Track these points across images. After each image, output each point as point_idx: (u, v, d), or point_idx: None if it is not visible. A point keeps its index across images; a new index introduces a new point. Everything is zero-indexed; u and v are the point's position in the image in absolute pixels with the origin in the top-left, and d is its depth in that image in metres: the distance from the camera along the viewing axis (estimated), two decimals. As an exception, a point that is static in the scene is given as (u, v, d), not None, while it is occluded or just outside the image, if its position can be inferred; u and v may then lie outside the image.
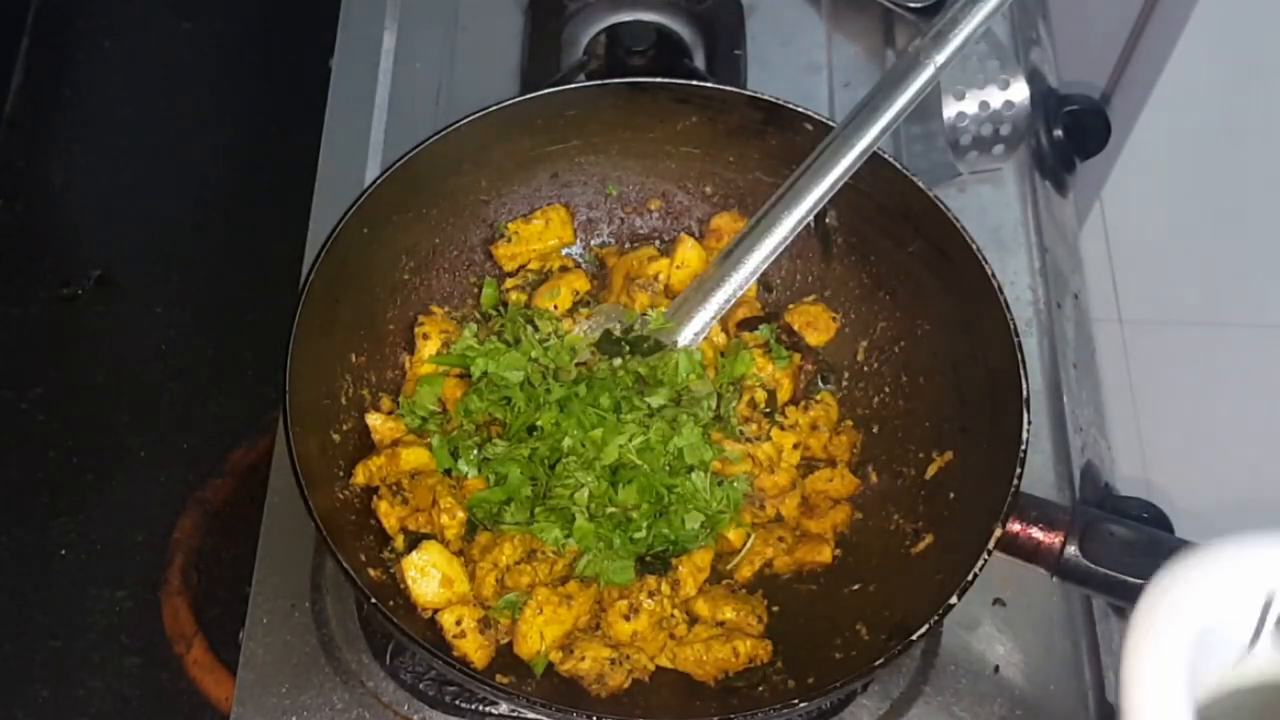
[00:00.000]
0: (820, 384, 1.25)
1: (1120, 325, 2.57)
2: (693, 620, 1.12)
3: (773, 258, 1.20)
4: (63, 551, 1.35)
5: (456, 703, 1.12)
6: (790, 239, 1.19)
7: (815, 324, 1.25)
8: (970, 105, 1.36)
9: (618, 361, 1.19)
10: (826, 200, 1.18)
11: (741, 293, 1.21)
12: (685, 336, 1.21)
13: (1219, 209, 2.35)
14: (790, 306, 1.27)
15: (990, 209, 1.41)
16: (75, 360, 1.48)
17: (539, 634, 1.07)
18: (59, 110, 1.64)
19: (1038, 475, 1.25)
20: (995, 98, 1.36)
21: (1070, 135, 1.46)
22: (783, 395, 1.22)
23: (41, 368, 1.46)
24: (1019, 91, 1.36)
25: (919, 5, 1.43)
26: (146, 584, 1.33)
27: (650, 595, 1.10)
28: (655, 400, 1.16)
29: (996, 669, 1.17)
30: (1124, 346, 2.54)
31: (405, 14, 1.51)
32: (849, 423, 1.23)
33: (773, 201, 1.19)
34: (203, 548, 1.35)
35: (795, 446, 1.19)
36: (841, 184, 1.17)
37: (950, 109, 1.36)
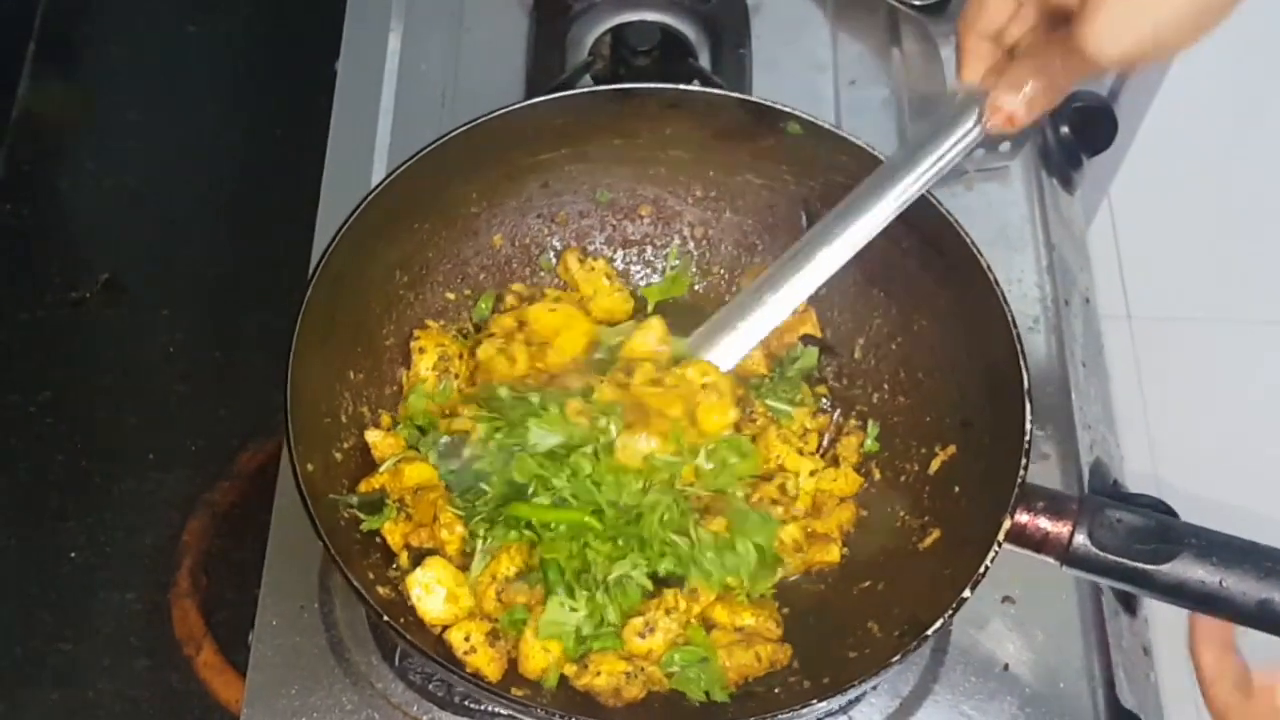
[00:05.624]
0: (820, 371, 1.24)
1: (1129, 322, 2.56)
2: (710, 627, 1.11)
3: (813, 288, 1.14)
4: (71, 554, 1.35)
5: (465, 703, 1.13)
6: (835, 269, 1.13)
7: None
8: (976, 103, 1.36)
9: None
10: (874, 233, 1.11)
11: (779, 322, 1.16)
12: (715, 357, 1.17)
13: (1227, 205, 2.35)
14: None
15: (997, 206, 1.40)
16: (83, 363, 1.48)
17: (542, 651, 1.06)
18: (66, 114, 1.64)
19: (1046, 473, 1.25)
20: (1001, 95, 1.36)
21: (1077, 132, 1.45)
22: (809, 447, 1.21)
23: (49, 371, 1.46)
24: (1025, 89, 1.36)
25: (923, 3, 1.42)
26: (155, 586, 1.33)
27: (668, 613, 1.09)
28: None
29: (1006, 667, 1.17)
30: (1132, 343, 2.54)
31: (410, 16, 1.51)
32: (854, 422, 1.22)
33: (815, 231, 1.14)
34: (211, 550, 1.35)
35: (812, 474, 1.18)
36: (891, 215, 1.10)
37: (956, 107, 1.35)
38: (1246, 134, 2.18)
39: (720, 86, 1.31)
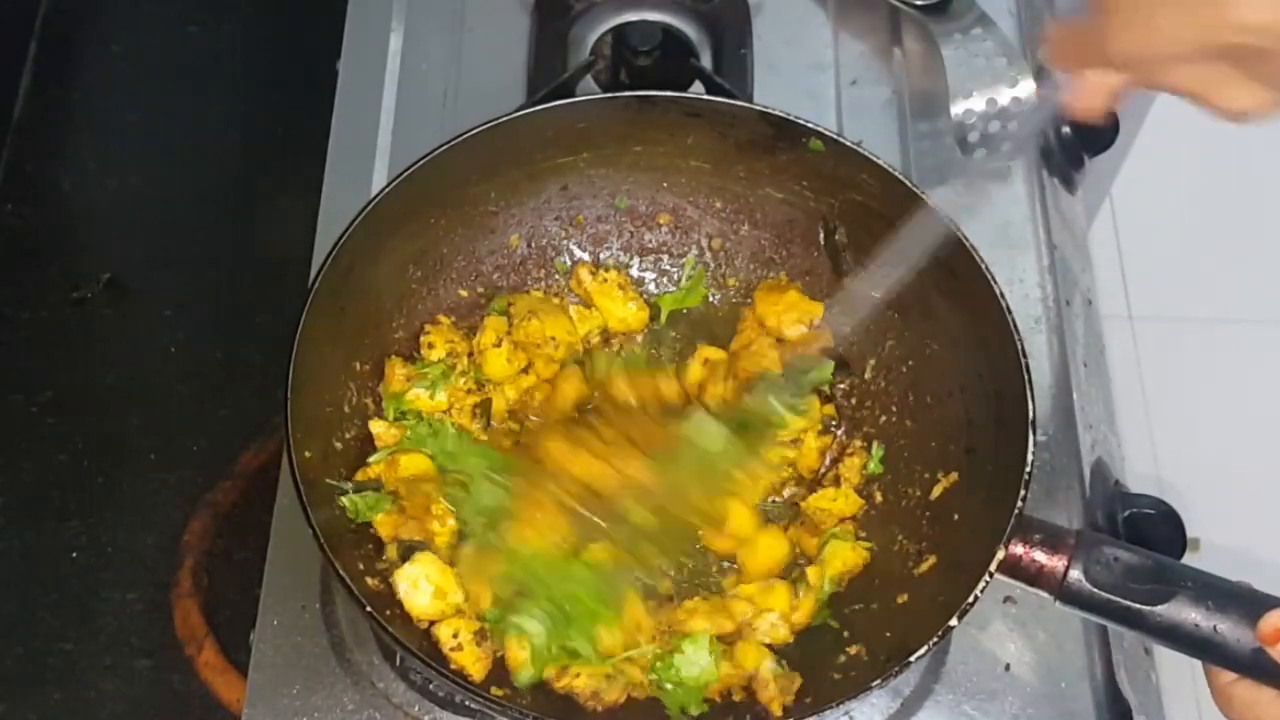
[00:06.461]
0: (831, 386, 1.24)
1: (1130, 322, 2.56)
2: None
3: None
4: (73, 554, 1.36)
5: (467, 703, 1.12)
6: None
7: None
8: (978, 103, 1.36)
9: None
10: None
11: None
12: None
13: (1229, 205, 2.36)
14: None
15: (998, 206, 1.40)
16: (85, 363, 1.48)
17: (519, 649, 1.07)
18: (67, 114, 1.64)
19: (1048, 473, 1.25)
20: (1003, 95, 1.36)
21: (1079, 132, 1.45)
22: (806, 460, 1.21)
23: (51, 371, 1.46)
24: (1026, 89, 1.36)
25: (925, 2, 1.42)
26: (157, 586, 1.33)
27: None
28: None
29: (1007, 667, 1.17)
30: (1134, 343, 2.54)
31: (411, 16, 1.51)
32: (859, 443, 1.22)
33: None
34: (213, 550, 1.35)
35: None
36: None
37: (958, 106, 1.36)
38: (1247, 135, 2.17)
39: (723, 87, 1.30)
